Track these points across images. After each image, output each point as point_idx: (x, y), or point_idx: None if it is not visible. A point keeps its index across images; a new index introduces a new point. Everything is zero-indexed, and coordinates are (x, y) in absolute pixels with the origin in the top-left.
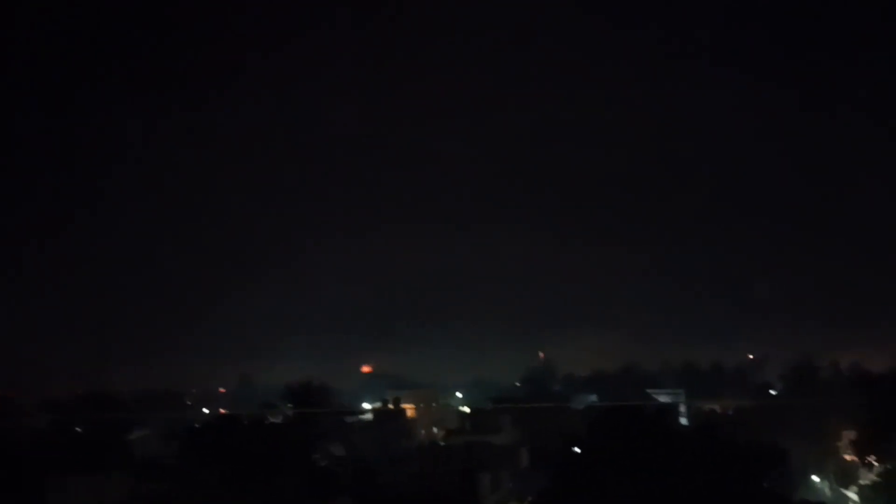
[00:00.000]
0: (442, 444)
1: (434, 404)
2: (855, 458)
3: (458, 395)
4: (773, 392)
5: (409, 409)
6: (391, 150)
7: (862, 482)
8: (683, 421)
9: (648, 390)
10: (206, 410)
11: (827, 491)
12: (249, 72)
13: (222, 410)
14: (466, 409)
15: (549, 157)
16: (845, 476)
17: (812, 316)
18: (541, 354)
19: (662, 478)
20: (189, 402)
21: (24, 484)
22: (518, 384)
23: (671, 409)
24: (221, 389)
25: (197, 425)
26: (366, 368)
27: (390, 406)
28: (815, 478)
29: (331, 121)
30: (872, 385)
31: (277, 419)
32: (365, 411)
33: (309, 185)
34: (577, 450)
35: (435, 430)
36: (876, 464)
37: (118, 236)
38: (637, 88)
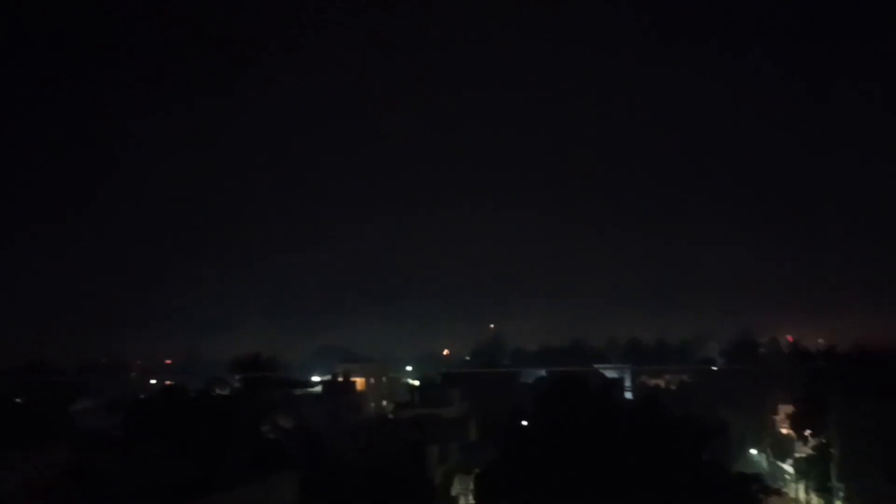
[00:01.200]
0: (391, 417)
1: (384, 378)
2: (791, 432)
3: (408, 368)
4: (714, 367)
5: (359, 383)
6: (342, 129)
7: (797, 455)
8: (628, 395)
9: (595, 365)
10: (152, 382)
11: (764, 463)
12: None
13: (168, 382)
14: (416, 383)
15: (497, 134)
16: (782, 449)
17: (754, 295)
18: (491, 326)
19: (607, 450)
20: (134, 374)
21: None
22: (468, 358)
23: (617, 384)
24: (168, 361)
25: (142, 397)
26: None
27: (340, 379)
28: (753, 450)
29: (282, 100)
30: (809, 361)
31: (225, 392)
32: (314, 384)
33: (261, 162)
34: (524, 423)
35: (384, 403)
36: (811, 438)
37: (63, 207)
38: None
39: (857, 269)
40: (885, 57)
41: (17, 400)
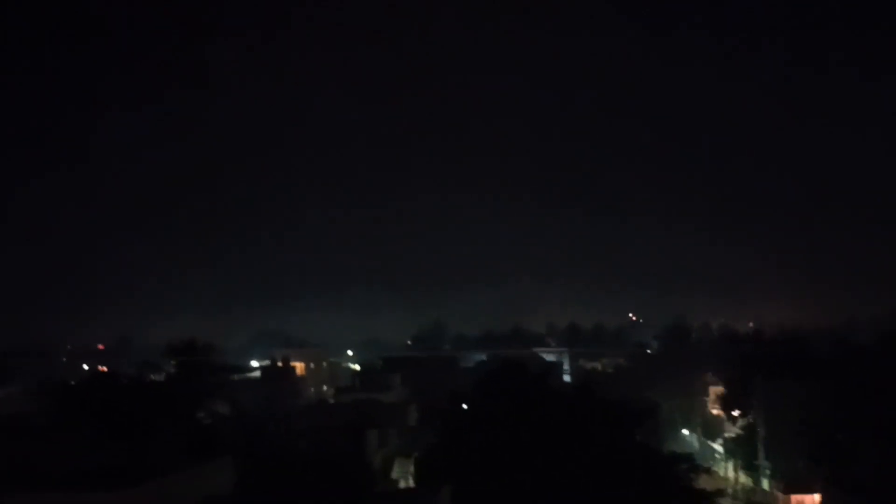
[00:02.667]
0: (331, 401)
1: (324, 363)
2: (721, 413)
3: (349, 353)
4: (649, 351)
5: (298, 368)
6: (288, 115)
7: (726, 435)
8: (567, 378)
9: (535, 349)
10: (85, 367)
11: (695, 443)
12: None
13: (101, 368)
14: (357, 368)
15: (441, 119)
16: (712, 429)
17: (687, 282)
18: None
19: (544, 433)
20: (65, 359)
21: None
22: (409, 343)
23: (555, 367)
24: (101, 346)
25: (72, 382)
26: None
27: (278, 364)
28: (684, 431)
29: (226, 84)
30: (738, 345)
31: (159, 377)
32: (252, 369)
33: (202, 147)
34: (464, 406)
35: (325, 388)
36: (739, 418)
37: None
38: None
39: (785, 254)
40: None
41: None
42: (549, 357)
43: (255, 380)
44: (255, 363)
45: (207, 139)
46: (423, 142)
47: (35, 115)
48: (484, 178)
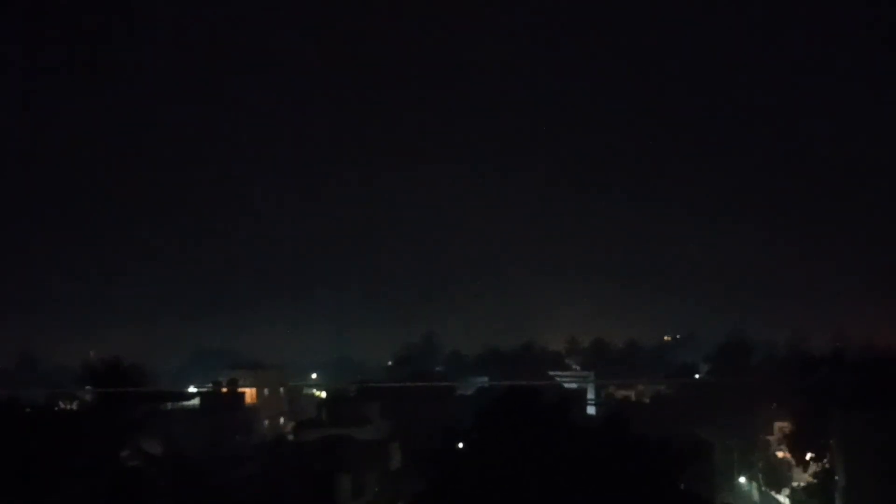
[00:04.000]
0: (291, 438)
1: (282, 389)
2: (788, 456)
3: (314, 377)
4: (697, 376)
5: (249, 395)
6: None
7: (795, 484)
8: (591, 410)
9: (552, 372)
10: None
11: (755, 494)
12: None
13: None
14: (324, 395)
15: (433, 90)
16: (776, 476)
17: (746, 289)
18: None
19: (562, 480)
20: None
21: None
22: (391, 364)
23: (577, 396)
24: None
25: None
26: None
27: (223, 390)
28: (741, 478)
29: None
30: (812, 369)
31: (72, 406)
32: (190, 396)
33: (127, 131)
34: (460, 445)
35: (282, 421)
36: (812, 463)
37: None
38: None
39: (872, 255)
40: None
41: None
42: (570, 383)
43: (194, 410)
44: (193, 389)
45: (125, 128)
46: (410, 114)
47: None
48: (489, 163)
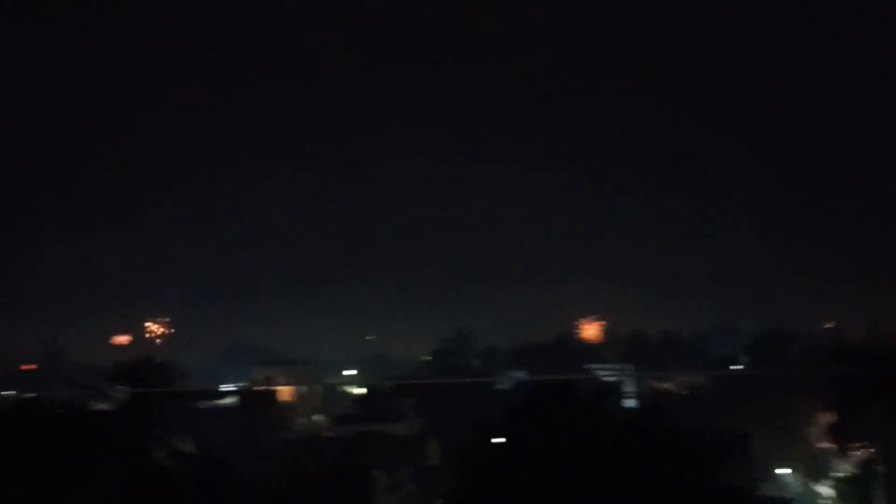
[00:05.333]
0: (326, 435)
1: (316, 386)
2: (830, 446)
3: (349, 373)
4: (736, 367)
5: (283, 392)
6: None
7: (837, 475)
8: (629, 403)
9: (588, 366)
10: (5, 393)
11: (796, 485)
12: None
13: (28, 394)
14: (358, 391)
15: (453, 103)
16: (818, 468)
17: (785, 278)
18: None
19: (600, 474)
20: None
21: None
22: (426, 359)
23: (615, 389)
24: (27, 367)
25: None
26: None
27: (257, 388)
28: (782, 470)
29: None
30: (854, 359)
31: (103, 406)
32: (223, 395)
33: (139, 105)
34: (497, 441)
35: (317, 418)
36: (855, 453)
37: None
38: None
39: None
40: None
41: None
42: (607, 376)
43: (227, 408)
44: (226, 387)
45: (139, 97)
46: (439, 95)
47: None
48: (522, 148)
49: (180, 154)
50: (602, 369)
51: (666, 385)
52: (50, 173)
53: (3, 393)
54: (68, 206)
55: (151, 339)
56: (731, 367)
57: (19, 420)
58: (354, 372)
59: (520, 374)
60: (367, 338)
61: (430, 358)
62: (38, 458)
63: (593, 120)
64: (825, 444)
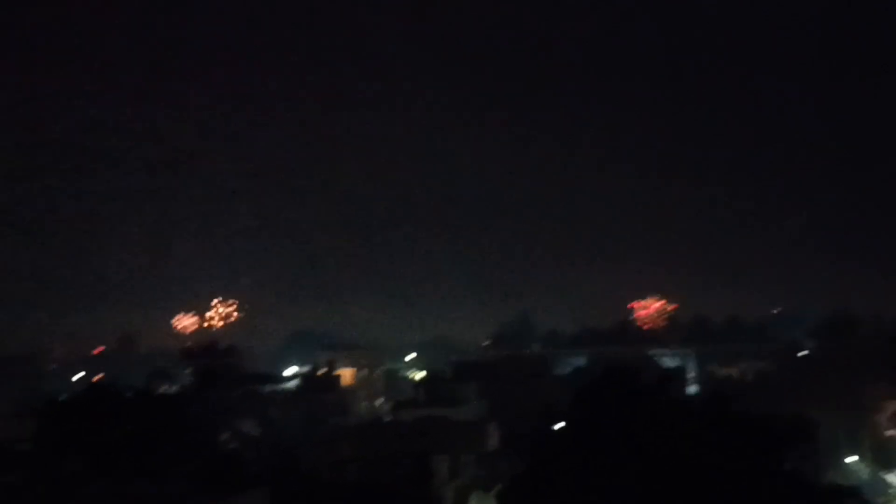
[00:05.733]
0: (387, 420)
1: (378, 370)
2: None
3: (410, 358)
4: (802, 353)
5: (346, 376)
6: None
7: None
8: (692, 389)
9: (650, 351)
10: (77, 377)
11: (863, 473)
12: None
13: (98, 377)
14: (420, 376)
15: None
16: (887, 456)
17: (853, 262)
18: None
19: (663, 460)
20: (55, 367)
21: None
22: (487, 344)
23: (677, 375)
24: (97, 350)
25: (62, 398)
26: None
27: (320, 372)
28: (850, 458)
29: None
30: None
31: (171, 390)
32: (287, 379)
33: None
34: (559, 426)
35: (379, 402)
36: None
37: None
38: None
39: None
40: None
41: None
42: (669, 361)
43: (292, 392)
44: (290, 371)
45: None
46: (506, 94)
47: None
48: (585, 134)
49: (246, 145)
50: (664, 354)
51: (730, 370)
52: (124, 168)
53: (75, 376)
54: (139, 196)
55: (219, 325)
56: (797, 354)
57: (90, 405)
58: (415, 356)
59: (580, 359)
60: (430, 324)
61: (491, 342)
62: (107, 438)
63: (658, 105)
64: (894, 432)
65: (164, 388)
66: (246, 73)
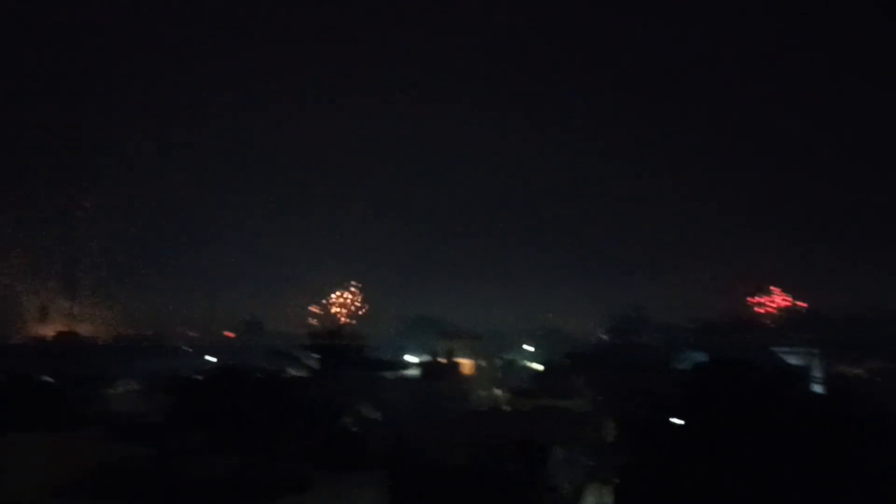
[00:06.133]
0: (505, 408)
1: (496, 359)
2: None
3: (527, 348)
4: None
5: (465, 365)
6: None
7: None
8: (816, 387)
9: (773, 348)
10: (209, 359)
11: None
12: None
13: (227, 361)
14: (537, 366)
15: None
16: None
17: None
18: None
19: (783, 461)
20: (187, 349)
21: None
22: (604, 336)
23: (800, 373)
24: (228, 334)
25: (197, 377)
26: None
27: (441, 360)
28: None
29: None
30: None
31: (297, 372)
32: (408, 365)
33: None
34: (677, 421)
35: (496, 391)
36: None
37: (100, 155)
38: None
39: None
40: None
41: (45, 378)
42: (792, 358)
43: (411, 378)
44: (410, 358)
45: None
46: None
47: None
48: (696, 123)
49: (367, 137)
50: (786, 351)
51: (856, 370)
52: (252, 164)
53: (207, 357)
54: (268, 186)
55: (341, 311)
56: None
57: (221, 384)
58: (532, 347)
59: (698, 353)
60: (545, 315)
61: (607, 334)
62: (234, 416)
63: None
64: None
65: (290, 371)
66: (372, 70)
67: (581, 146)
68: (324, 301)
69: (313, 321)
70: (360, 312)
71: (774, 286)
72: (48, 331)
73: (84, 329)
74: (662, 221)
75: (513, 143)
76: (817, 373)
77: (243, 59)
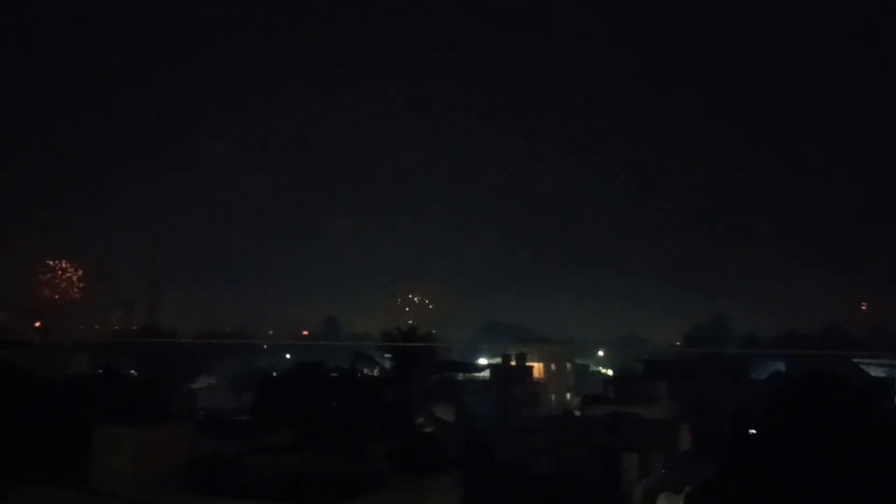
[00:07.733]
0: (577, 414)
1: (569, 364)
2: None
3: (600, 354)
4: None
5: (537, 369)
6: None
7: None
8: None
9: (856, 360)
10: (286, 357)
11: None
12: None
13: (305, 359)
14: (611, 373)
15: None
16: None
17: None
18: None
19: (867, 476)
20: (265, 347)
21: (68, 434)
22: (680, 344)
23: (888, 386)
24: (305, 333)
25: (274, 374)
26: None
27: (513, 363)
28: None
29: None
30: None
31: (372, 372)
32: (481, 368)
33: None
34: (753, 431)
35: (569, 396)
36: None
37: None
38: None
39: None
40: None
41: (132, 372)
42: (877, 371)
43: (485, 381)
44: (483, 360)
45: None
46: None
47: None
48: (783, 134)
49: (442, 146)
50: (872, 363)
51: None
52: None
53: (285, 356)
54: (348, 195)
55: (416, 313)
56: None
57: (299, 382)
58: (605, 352)
59: (779, 364)
60: (622, 322)
61: (684, 342)
62: (314, 414)
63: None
64: None
65: (366, 371)
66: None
67: (668, 156)
68: (400, 304)
69: (388, 323)
70: (433, 315)
71: (863, 299)
72: (132, 326)
73: (166, 325)
74: (747, 235)
75: (596, 152)
76: None
77: (352, 64)
